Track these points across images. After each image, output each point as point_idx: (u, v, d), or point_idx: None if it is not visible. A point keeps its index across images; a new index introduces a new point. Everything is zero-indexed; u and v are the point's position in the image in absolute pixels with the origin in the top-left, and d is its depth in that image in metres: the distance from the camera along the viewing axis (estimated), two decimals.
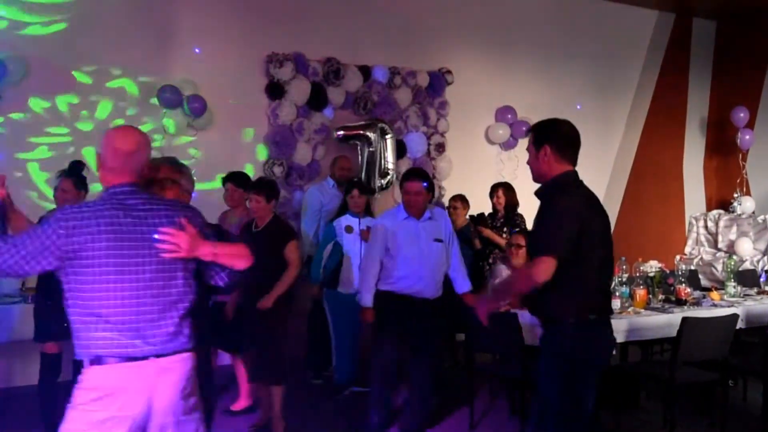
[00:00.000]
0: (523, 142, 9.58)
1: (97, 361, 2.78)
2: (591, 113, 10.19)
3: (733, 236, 10.31)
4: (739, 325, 5.70)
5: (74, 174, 5.59)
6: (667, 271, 6.65)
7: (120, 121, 7.26)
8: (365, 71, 8.58)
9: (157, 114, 7.50)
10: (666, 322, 5.63)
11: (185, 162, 7.24)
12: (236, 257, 3.05)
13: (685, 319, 5.28)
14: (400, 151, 8.67)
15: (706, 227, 10.84)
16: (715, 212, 10.85)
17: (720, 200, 11.25)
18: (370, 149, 8.29)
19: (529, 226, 5.44)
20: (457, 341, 7.50)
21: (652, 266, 6.77)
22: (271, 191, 5.61)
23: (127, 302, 2.79)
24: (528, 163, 3.90)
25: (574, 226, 3.54)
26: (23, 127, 7.00)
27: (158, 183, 3.53)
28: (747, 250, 9.90)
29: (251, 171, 7.44)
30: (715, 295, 6.46)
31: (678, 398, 5.57)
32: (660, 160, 10.91)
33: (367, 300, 5.60)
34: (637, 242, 9.90)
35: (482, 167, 9.17)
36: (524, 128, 9.35)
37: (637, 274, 6.33)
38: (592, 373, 3.68)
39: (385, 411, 5.64)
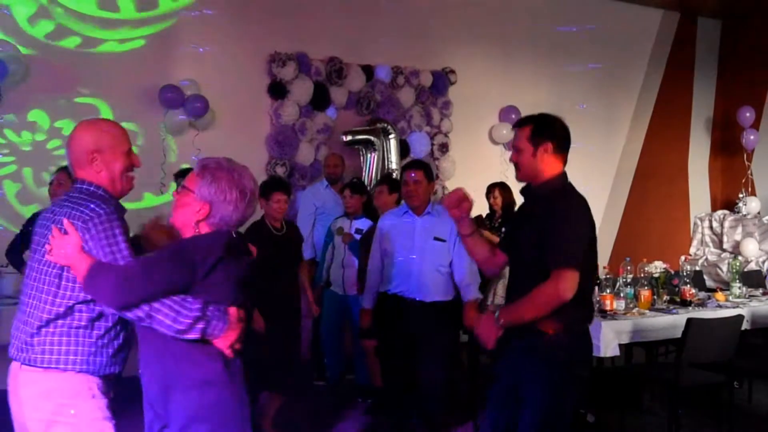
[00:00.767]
0: None
1: None
2: (595, 113, 10.16)
3: (738, 237, 10.26)
4: (745, 326, 5.66)
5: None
6: (672, 272, 6.60)
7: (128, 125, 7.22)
8: (368, 71, 8.55)
9: (158, 114, 7.47)
10: (671, 323, 5.58)
11: (186, 163, 7.33)
12: (85, 279, 2.59)
13: (690, 321, 5.23)
14: (404, 151, 8.64)
15: (711, 228, 10.79)
16: (720, 212, 10.81)
17: (725, 200, 11.20)
18: (374, 152, 8.27)
19: None
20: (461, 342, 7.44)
21: (657, 267, 6.72)
22: (290, 190, 5.58)
23: (20, 298, 2.84)
24: (515, 160, 3.56)
25: (587, 234, 3.39)
26: None
27: None
28: (752, 250, 9.85)
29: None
30: (720, 296, 6.41)
31: (683, 400, 5.53)
32: (665, 160, 10.86)
33: (365, 302, 5.51)
34: (641, 243, 9.87)
35: (486, 167, 9.12)
36: None
37: (642, 275, 6.28)
38: (576, 385, 3.49)
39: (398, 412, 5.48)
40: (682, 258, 7.44)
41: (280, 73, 7.97)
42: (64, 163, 3.28)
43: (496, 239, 7.33)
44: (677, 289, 6.26)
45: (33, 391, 2.69)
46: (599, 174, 10.17)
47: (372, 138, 8.24)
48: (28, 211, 6.60)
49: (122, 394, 2.93)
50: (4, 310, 5.85)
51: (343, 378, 6.94)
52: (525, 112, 9.42)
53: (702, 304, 6.16)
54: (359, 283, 6.04)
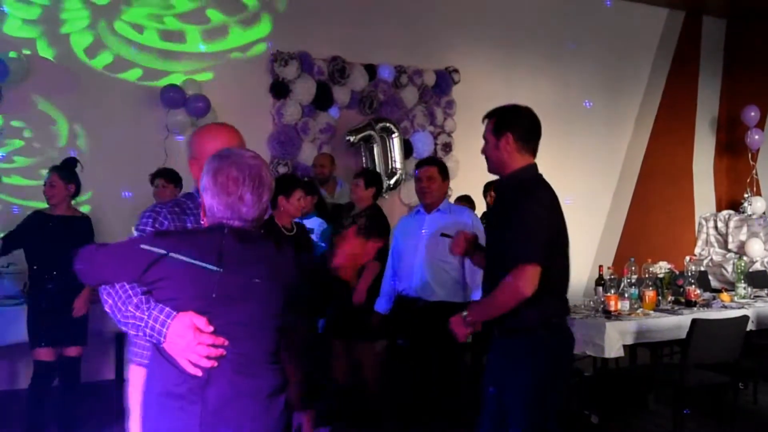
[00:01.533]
0: None
1: None
2: (599, 112, 10.13)
3: (743, 237, 10.22)
4: (750, 327, 5.63)
5: (64, 168, 5.54)
6: (677, 273, 6.57)
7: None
8: (371, 70, 8.52)
9: (159, 113, 7.45)
10: (675, 324, 5.55)
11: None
12: None
13: (694, 321, 5.20)
14: (407, 151, 8.62)
15: (716, 228, 10.75)
16: (725, 212, 10.76)
17: (730, 200, 11.16)
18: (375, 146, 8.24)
19: None
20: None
21: (662, 267, 6.70)
22: (318, 191, 5.52)
23: None
24: (483, 152, 3.58)
25: (550, 228, 3.29)
26: None
27: None
28: (757, 251, 9.81)
29: None
30: (725, 296, 6.38)
31: (688, 401, 5.51)
32: (669, 160, 10.82)
33: (375, 305, 5.46)
34: (646, 243, 9.83)
35: None
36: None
37: (646, 276, 6.26)
38: (560, 381, 3.44)
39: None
40: (687, 258, 7.38)
41: (283, 73, 7.95)
42: None
43: None
44: (682, 289, 6.23)
45: None
46: (603, 174, 10.14)
47: (372, 133, 8.20)
48: None
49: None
50: (4, 311, 5.86)
51: None
52: None
53: (707, 304, 6.14)
54: None
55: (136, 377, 2.69)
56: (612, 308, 5.50)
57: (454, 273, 5.09)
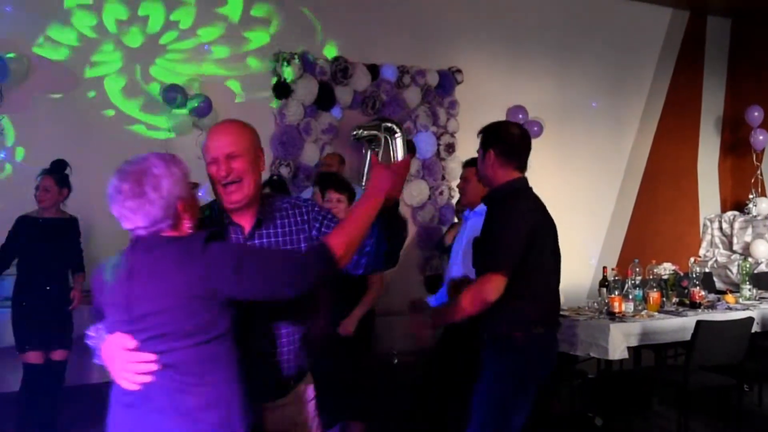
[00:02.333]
0: (535, 143, 9.42)
1: None
2: (604, 112, 10.10)
3: (748, 238, 10.18)
4: (755, 328, 5.63)
5: (55, 171, 5.51)
6: (681, 274, 6.55)
7: None
8: (374, 70, 8.49)
9: (161, 113, 7.44)
10: (680, 325, 5.54)
11: (189, 164, 7.27)
12: None
13: (699, 323, 5.19)
14: (410, 151, 8.58)
15: (720, 229, 10.71)
16: (730, 213, 10.72)
17: (735, 201, 11.10)
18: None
19: None
20: None
21: (666, 269, 6.67)
22: (353, 192, 5.04)
23: None
24: (477, 167, 3.78)
25: (522, 239, 3.39)
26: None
27: None
28: (763, 252, 9.76)
29: None
30: (730, 298, 6.37)
31: (692, 403, 5.50)
32: (674, 160, 10.78)
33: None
34: (650, 244, 9.79)
35: None
36: (536, 128, 9.25)
37: (651, 277, 6.23)
38: (532, 389, 3.51)
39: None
40: (692, 259, 7.35)
41: (285, 73, 7.92)
42: None
43: None
44: (686, 291, 6.21)
45: None
46: (607, 174, 10.10)
47: (377, 133, 8.15)
48: None
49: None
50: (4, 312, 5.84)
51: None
52: (533, 112, 9.52)
53: (712, 306, 6.11)
54: None
55: None
56: (616, 310, 5.49)
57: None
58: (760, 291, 6.75)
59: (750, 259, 8.17)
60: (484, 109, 9.22)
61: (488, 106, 9.26)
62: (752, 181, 10.62)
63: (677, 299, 6.17)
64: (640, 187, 10.59)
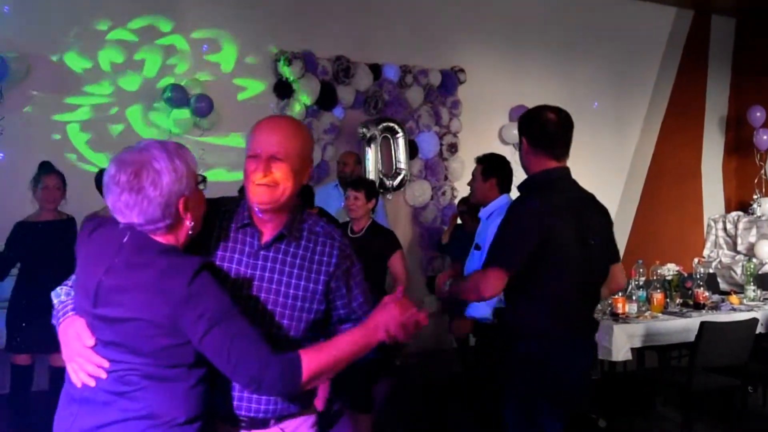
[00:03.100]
0: None
1: None
2: (607, 112, 10.06)
3: (752, 238, 10.14)
4: (759, 329, 5.59)
5: (56, 171, 5.47)
6: (685, 275, 6.52)
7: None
8: (376, 70, 8.46)
9: (162, 113, 7.42)
10: (684, 326, 5.52)
11: None
12: None
13: (703, 324, 5.17)
14: (412, 151, 8.55)
15: (725, 229, 10.67)
16: (734, 214, 10.68)
17: (739, 201, 11.07)
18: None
19: None
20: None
21: (670, 269, 6.64)
22: (372, 190, 5.09)
23: None
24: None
25: (531, 238, 3.14)
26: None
27: None
28: (767, 252, 9.72)
29: None
30: (734, 299, 6.34)
31: (696, 404, 5.47)
32: (678, 160, 10.74)
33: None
34: (654, 244, 9.74)
35: None
36: None
37: (654, 278, 6.20)
38: (557, 406, 3.25)
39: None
40: (696, 260, 7.30)
41: (286, 72, 7.88)
42: None
43: None
44: (690, 292, 6.20)
45: None
46: (611, 174, 10.06)
47: (375, 133, 8.15)
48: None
49: None
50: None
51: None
52: None
53: (716, 307, 6.09)
54: None
55: None
56: (620, 311, 5.48)
57: None
58: (764, 292, 6.72)
59: (754, 260, 8.13)
60: (487, 109, 9.22)
61: (491, 105, 9.24)
62: (756, 181, 10.58)
63: (681, 300, 6.15)
64: (643, 187, 10.56)
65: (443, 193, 8.84)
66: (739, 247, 10.33)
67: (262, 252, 2.32)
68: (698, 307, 5.96)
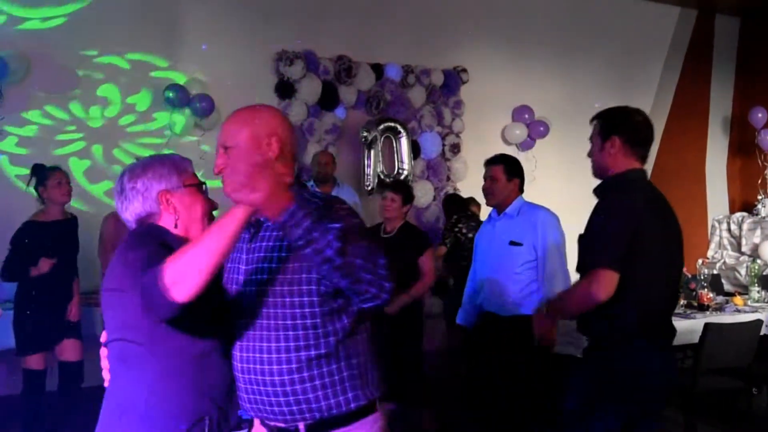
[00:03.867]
0: (541, 143, 9.45)
1: None
2: None
3: (757, 239, 10.10)
4: (764, 331, 5.58)
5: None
6: (689, 276, 6.48)
7: (130, 117, 7.23)
8: (378, 69, 8.44)
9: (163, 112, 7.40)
10: (688, 328, 5.47)
11: None
12: None
13: (707, 325, 5.17)
14: (414, 152, 8.53)
15: (729, 230, 10.63)
16: (738, 215, 10.64)
17: (743, 202, 11.03)
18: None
19: None
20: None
21: None
22: (409, 194, 5.33)
23: None
24: (589, 155, 3.43)
25: (624, 235, 3.09)
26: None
27: None
28: None
29: None
30: (738, 300, 6.32)
31: (699, 406, 5.44)
32: (682, 161, 10.69)
33: (456, 318, 5.07)
34: None
35: None
36: (542, 128, 9.19)
37: None
38: (619, 411, 3.16)
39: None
40: (700, 261, 7.28)
41: (288, 72, 7.86)
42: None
43: None
44: (694, 293, 6.19)
45: None
46: None
47: (376, 134, 8.13)
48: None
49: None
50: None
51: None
52: (539, 112, 9.45)
53: (720, 308, 6.08)
54: None
55: None
56: None
57: (525, 283, 4.61)
58: None
59: (759, 261, 8.09)
60: (490, 109, 9.20)
61: (494, 105, 9.22)
62: (760, 181, 10.55)
63: (685, 301, 6.12)
64: None
65: (446, 194, 8.81)
66: (744, 248, 10.29)
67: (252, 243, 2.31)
68: (702, 308, 5.95)
